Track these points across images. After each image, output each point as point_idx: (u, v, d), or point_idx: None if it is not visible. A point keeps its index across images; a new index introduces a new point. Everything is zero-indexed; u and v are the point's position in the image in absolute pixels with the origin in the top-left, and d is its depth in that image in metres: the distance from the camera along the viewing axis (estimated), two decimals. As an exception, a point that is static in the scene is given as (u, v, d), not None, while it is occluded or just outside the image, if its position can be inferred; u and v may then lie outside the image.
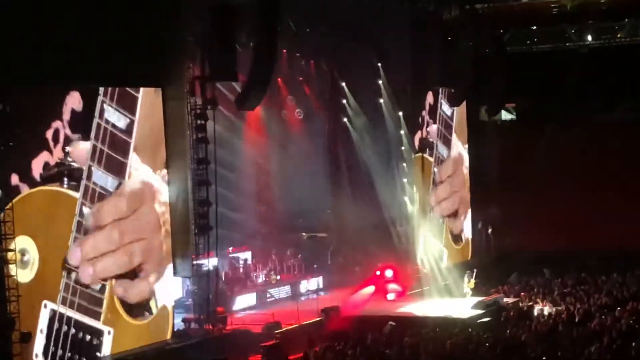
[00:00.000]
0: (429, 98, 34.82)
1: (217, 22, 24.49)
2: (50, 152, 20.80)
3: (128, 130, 22.68)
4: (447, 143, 35.73)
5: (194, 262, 24.58)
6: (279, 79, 31.08)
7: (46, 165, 20.69)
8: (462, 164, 36.67)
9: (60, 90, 21.18)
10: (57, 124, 20.98)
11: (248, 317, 27.65)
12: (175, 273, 24.12)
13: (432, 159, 34.63)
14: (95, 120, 21.84)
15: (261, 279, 30.25)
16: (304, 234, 32.43)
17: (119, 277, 22.34)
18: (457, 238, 36.23)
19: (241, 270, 29.89)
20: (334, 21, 30.30)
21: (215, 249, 25.13)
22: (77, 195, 21.41)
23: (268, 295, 29.91)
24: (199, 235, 24.63)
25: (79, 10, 20.92)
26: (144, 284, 23.06)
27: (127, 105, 22.65)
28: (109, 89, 22.13)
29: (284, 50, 30.24)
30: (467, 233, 37.00)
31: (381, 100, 33.69)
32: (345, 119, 33.43)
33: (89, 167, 21.66)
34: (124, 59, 22.03)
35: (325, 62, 33.05)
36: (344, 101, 33.36)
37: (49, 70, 20.29)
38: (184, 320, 24.87)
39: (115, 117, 22.31)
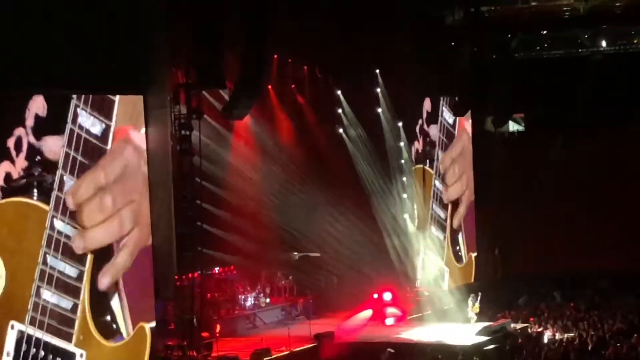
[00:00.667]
0: (426, 105, 34.82)
1: (203, 25, 24.48)
2: (12, 161, 20.47)
3: (104, 137, 22.46)
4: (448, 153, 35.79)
5: (177, 284, 24.51)
6: (269, 87, 31.07)
7: (8, 176, 20.36)
8: (467, 142, 36.79)
9: (23, 95, 20.86)
10: (19, 131, 20.61)
11: (235, 342, 27.55)
12: (156, 294, 24.01)
13: (432, 171, 34.64)
14: (68, 125, 21.54)
15: (249, 301, 30.15)
16: (295, 253, 32.31)
17: (100, 264, 22.23)
18: (459, 257, 36.17)
19: (228, 292, 29.80)
20: (330, 25, 30.32)
21: (200, 269, 25.06)
22: (48, 207, 21.21)
23: (257, 319, 29.83)
24: (182, 255, 24.56)
25: (54, 12, 20.81)
26: (123, 257, 22.93)
27: (103, 109, 22.39)
28: (82, 96, 21.85)
29: (275, 56, 30.24)
30: (470, 250, 36.87)
31: (379, 110, 33.70)
32: (340, 130, 33.42)
33: (61, 177, 21.41)
34: (103, 64, 21.93)
35: (319, 68, 33.04)
36: (339, 110, 33.35)
37: (18, 77, 20.13)
38: (165, 346, 24.74)
39: (89, 122, 22.12)
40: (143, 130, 23.51)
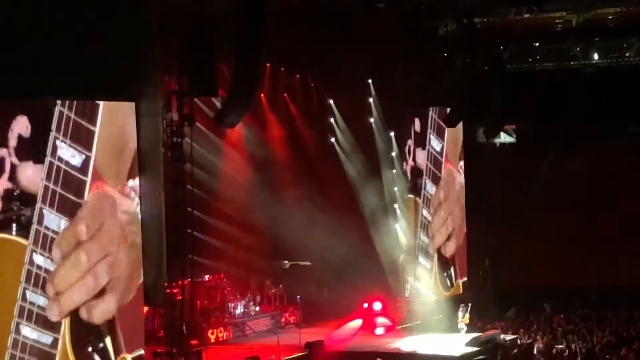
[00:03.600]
0: (416, 125, 34.60)
1: (196, 32, 24.46)
2: None
3: (83, 168, 22.14)
4: (436, 181, 35.37)
5: (167, 291, 24.43)
6: (262, 95, 31.08)
7: None
8: (454, 182, 36.39)
9: (6, 115, 20.54)
10: (2, 151, 20.37)
11: (224, 350, 27.52)
12: (146, 301, 23.92)
13: (420, 200, 34.28)
14: (47, 158, 21.18)
15: (239, 309, 30.12)
16: (285, 262, 32.28)
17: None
18: (446, 286, 35.56)
19: (218, 300, 29.75)
20: (323, 34, 30.32)
21: (190, 276, 25.00)
22: (27, 242, 20.84)
23: (246, 328, 29.78)
24: (173, 262, 24.50)
25: (44, 15, 20.70)
26: (109, 302, 22.64)
27: (83, 140, 22.01)
28: (62, 124, 21.39)
29: (268, 64, 30.25)
30: (459, 276, 36.48)
31: (371, 119, 33.69)
32: (332, 139, 33.43)
33: (40, 210, 21.04)
34: (94, 71, 21.85)
35: (311, 78, 33.06)
36: (332, 119, 33.36)
37: (6, 84, 19.98)
38: (154, 353, 24.66)
39: (69, 154, 21.77)
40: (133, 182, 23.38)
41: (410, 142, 34.21)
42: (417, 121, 34.44)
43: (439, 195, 35.05)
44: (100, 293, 22.29)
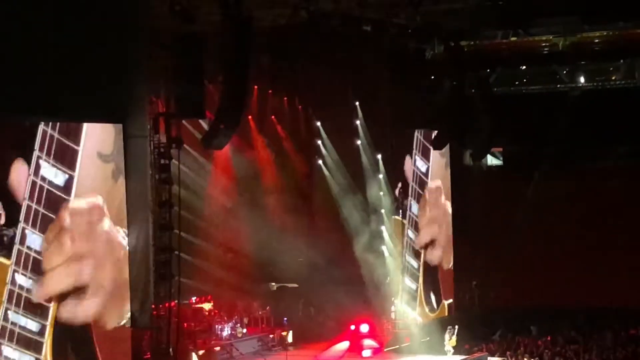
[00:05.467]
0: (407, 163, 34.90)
1: (183, 54, 24.53)
2: None
3: (67, 187, 22.25)
4: (421, 201, 35.46)
5: (154, 313, 24.40)
6: (249, 117, 31.13)
7: None
8: (439, 201, 36.52)
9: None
10: None
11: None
12: (132, 323, 23.91)
13: (405, 221, 34.35)
14: (30, 178, 21.34)
15: (226, 331, 30.05)
16: (272, 283, 32.30)
17: (63, 297, 22.03)
18: (432, 307, 35.69)
19: (205, 322, 29.70)
20: (310, 56, 30.43)
21: (177, 298, 24.98)
22: (9, 262, 20.98)
23: (233, 350, 29.71)
24: (160, 284, 24.48)
25: (30, 35, 20.74)
26: (90, 304, 22.71)
27: (66, 159, 22.19)
28: (45, 143, 21.56)
29: (255, 87, 30.32)
30: (444, 297, 36.65)
31: (358, 142, 33.75)
32: (319, 161, 33.47)
33: (22, 230, 21.20)
34: (82, 93, 21.91)
35: (299, 100, 33.14)
36: (319, 141, 33.42)
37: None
38: (141, 376, 24.65)
39: (52, 173, 21.88)
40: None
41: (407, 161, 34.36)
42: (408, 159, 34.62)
43: (425, 206, 35.24)
44: (83, 291, 22.37)
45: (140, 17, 23.65)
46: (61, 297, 22.05)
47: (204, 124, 27.29)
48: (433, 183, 35.98)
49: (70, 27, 21.67)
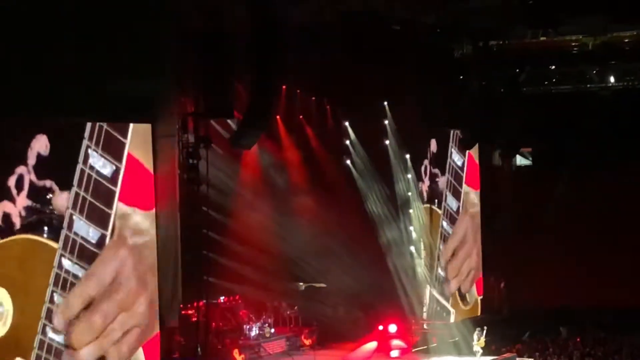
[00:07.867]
0: (432, 146, 34.72)
1: (212, 53, 24.54)
2: (13, 201, 20.37)
3: (113, 179, 22.48)
4: (457, 195, 35.53)
5: (182, 312, 24.44)
6: (278, 117, 31.12)
7: (6, 216, 20.23)
8: (473, 220, 36.48)
9: (25, 134, 20.78)
10: (21, 169, 20.61)
11: (239, 372, 27.47)
12: (161, 323, 23.95)
13: (440, 212, 34.38)
14: (79, 166, 21.62)
15: (254, 331, 30.03)
16: (301, 283, 32.25)
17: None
18: (464, 297, 35.85)
19: (233, 321, 29.71)
20: (339, 56, 30.38)
21: (205, 298, 24.99)
22: (57, 245, 21.21)
23: (261, 350, 29.71)
24: (188, 283, 24.51)
25: (58, 38, 20.78)
26: (126, 344, 22.75)
27: (113, 151, 22.46)
28: (94, 133, 21.89)
29: (284, 86, 30.31)
30: (477, 293, 36.59)
31: (387, 142, 33.69)
32: (347, 160, 33.42)
33: (70, 216, 21.42)
34: (111, 93, 21.96)
35: (327, 100, 33.09)
36: (347, 141, 33.36)
37: (23, 105, 20.12)
38: (169, 375, 24.69)
39: (100, 163, 22.14)
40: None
41: (426, 161, 34.36)
42: (433, 142, 34.55)
43: (454, 239, 35.18)
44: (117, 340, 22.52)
45: (169, 17, 23.68)
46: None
47: (232, 124, 27.29)
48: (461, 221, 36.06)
49: (101, 28, 21.76)
